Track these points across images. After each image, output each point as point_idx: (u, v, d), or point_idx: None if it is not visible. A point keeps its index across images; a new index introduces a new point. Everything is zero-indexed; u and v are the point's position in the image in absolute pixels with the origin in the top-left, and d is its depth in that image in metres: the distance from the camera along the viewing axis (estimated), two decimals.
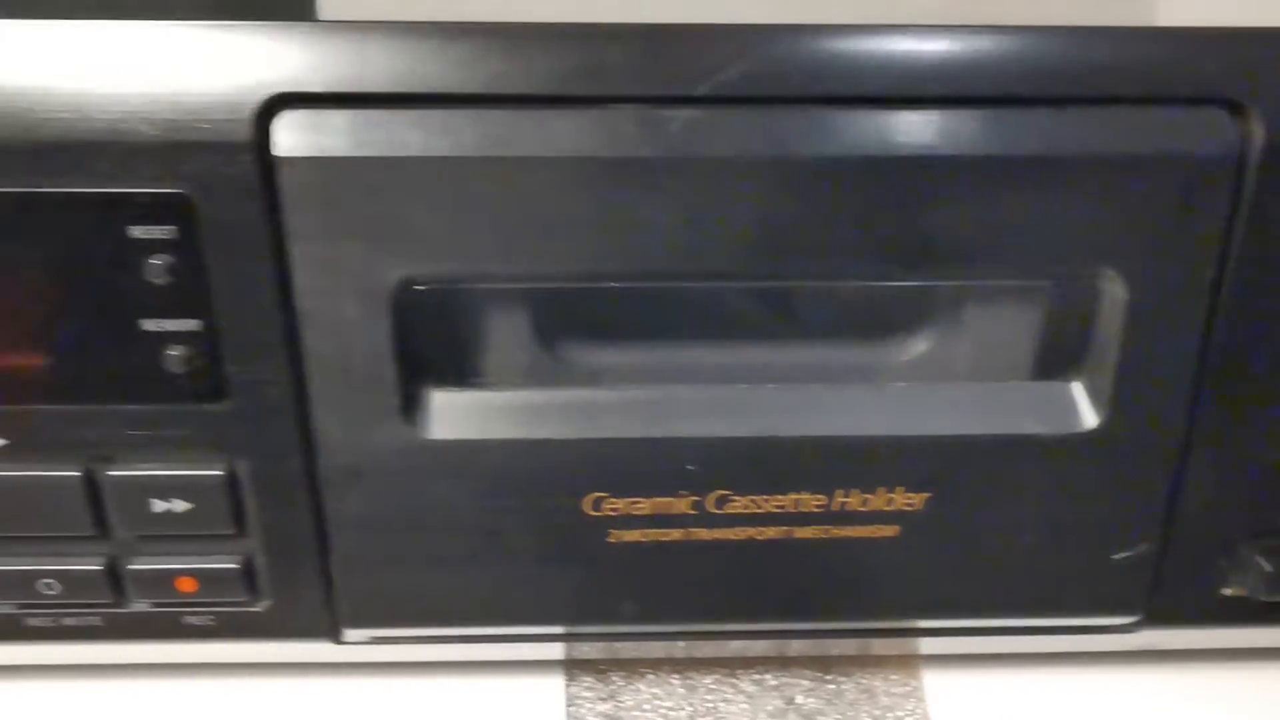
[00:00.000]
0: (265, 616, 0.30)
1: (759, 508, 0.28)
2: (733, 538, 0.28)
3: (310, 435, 0.27)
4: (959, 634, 0.32)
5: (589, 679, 0.36)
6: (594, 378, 0.27)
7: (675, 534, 0.28)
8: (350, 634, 0.30)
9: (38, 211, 0.24)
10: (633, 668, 0.36)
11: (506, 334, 0.27)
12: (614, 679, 0.36)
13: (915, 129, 0.24)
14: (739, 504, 0.28)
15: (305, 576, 0.29)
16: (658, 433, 0.27)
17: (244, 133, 0.24)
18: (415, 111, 0.24)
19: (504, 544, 0.28)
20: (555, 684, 0.36)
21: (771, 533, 0.28)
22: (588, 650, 0.34)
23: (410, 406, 0.27)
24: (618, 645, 0.33)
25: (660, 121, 0.24)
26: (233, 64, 0.24)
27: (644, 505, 0.28)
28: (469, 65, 0.24)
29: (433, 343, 0.26)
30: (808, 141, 0.24)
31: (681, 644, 0.33)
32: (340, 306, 0.25)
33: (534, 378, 0.27)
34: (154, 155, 0.24)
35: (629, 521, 0.28)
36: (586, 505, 0.28)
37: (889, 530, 0.29)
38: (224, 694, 0.33)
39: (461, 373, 0.27)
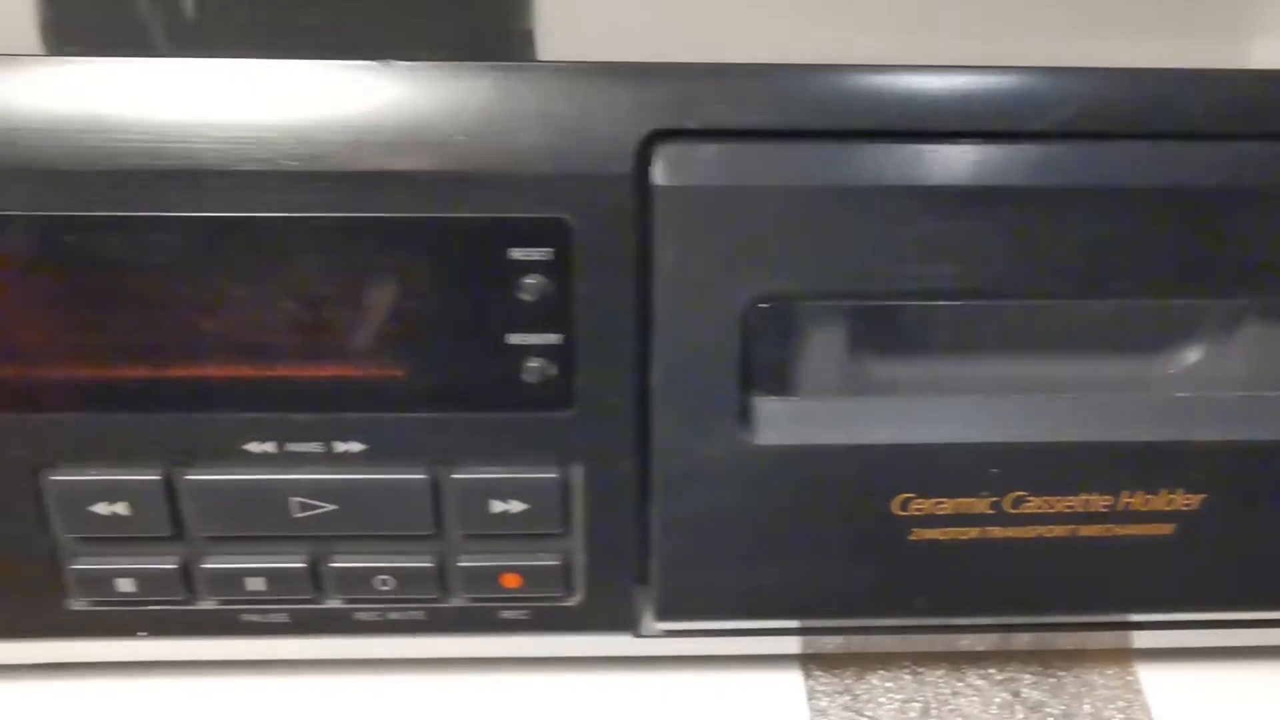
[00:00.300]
0: (575, 611, 0.32)
1: (1051, 508, 0.30)
2: (1023, 536, 0.30)
3: (645, 441, 0.29)
4: (1180, 627, 0.35)
5: (822, 673, 0.38)
6: (907, 387, 0.29)
7: (972, 532, 0.30)
8: (656, 626, 0.32)
9: (428, 235, 0.27)
10: (863, 663, 0.39)
11: (828, 346, 0.29)
12: (846, 674, 0.38)
13: (1221, 161, 0.27)
14: (1034, 504, 0.30)
15: (619, 573, 0.31)
16: (966, 438, 0.29)
17: (625, 165, 0.26)
18: (779, 145, 0.26)
19: (813, 541, 0.30)
20: (794, 677, 0.38)
21: (1059, 531, 0.31)
22: (825, 644, 0.37)
23: (744, 414, 0.29)
24: (855, 639, 0.36)
25: (997, 154, 0.26)
26: (616, 103, 0.26)
27: (947, 505, 0.30)
28: (825, 103, 0.26)
29: (764, 355, 0.29)
30: (1131, 173, 0.26)
31: (921, 638, 0.36)
32: (693, 322, 0.27)
33: (851, 387, 0.29)
34: (540, 185, 0.26)
35: (931, 521, 0.30)
36: (895, 506, 0.30)
37: (1165, 529, 0.31)
38: (532, 687, 0.36)
39: (785, 382, 0.29)
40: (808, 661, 0.39)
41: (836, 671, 0.38)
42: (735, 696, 0.36)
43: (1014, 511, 0.30)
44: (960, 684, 0.38)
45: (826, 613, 0.32)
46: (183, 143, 0.26)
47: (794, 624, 0.32)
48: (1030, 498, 0.30)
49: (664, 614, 0.31)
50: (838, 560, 0.30)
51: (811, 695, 0.37)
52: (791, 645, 0.36)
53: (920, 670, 0.39)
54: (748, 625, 0.32)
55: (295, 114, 0.26)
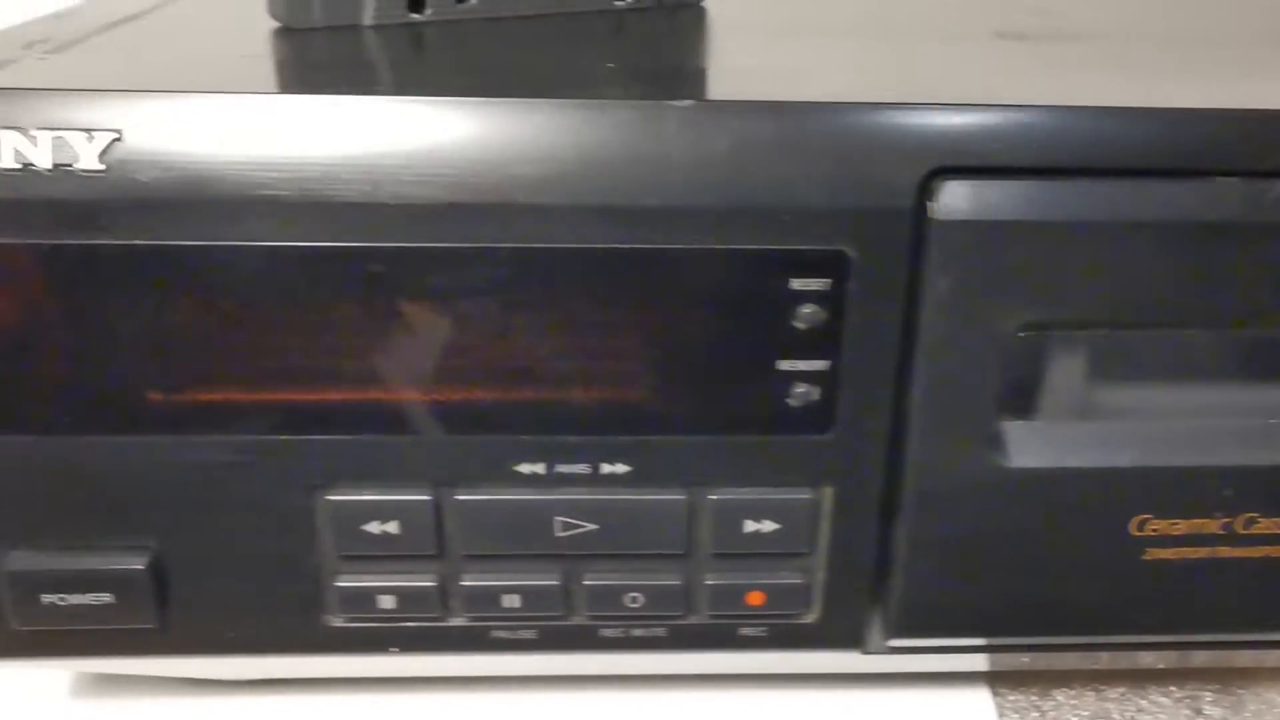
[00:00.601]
0: (810, 628, 0.33)
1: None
2: (1251, 555, 0.32)
3: (895, 463, 0.30)
4: None
5: (1009, 690, 0.39)
6: (1147, 411, 0.31)
7: (1202, 552, 0.32)
8: (885, 644, 0.33)
9: (712, 266, 0.28)
10: (1046, 681, 0.40)
11: (1075, 372, 0.30)
12: (1032, 691, 0.39)
13: None
14: (1264, 525, 0.31)
15: (854, 591, 0.33)
16: (1205, 461, 0.30)
17: (907, 199, 0.27)
18: (1051, 182, 0.27)
19: (1052, 561, 0.31)
20: (983, 695, 0.39)
21: None
22: (1013, 662, 0.38)
23: (997, 438, 0.30)
24: (1043, 657, 0.37)
25: (1258, 192, 0.28)
26: (901, 141, 0.27)
27: (1181, 526, 0.31)
28: (1096, 142, 0.27)
29: (1016, 380, 0.30)
30: None
31: (1103, 656, 0.37)
32: (958, 349, 0.29)
33: (1095, 411, 0.31)
34: (824, 219, 0.28)
35: (1164, 541, 0.31)
36: (1132, 526, 0.31)
37: None
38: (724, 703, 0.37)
39: (1032, 407, 0.30)
40: (994, 680, 0.40)
41: (1022, 689, 0.39)
42: (928, 712, 0.38)
43: (1244, 532, 0.31)
44: (1144, 701, 0.39)
45: (1056, 630, 0.33)
46: (494, 179, 0.27)
47: (1023, 640, 0.33)
48: (1261, 519, 0.31)
49: (901, 630, 0.32)
50: (1072, 579, 0.32)
51: (1001, 712, 0.38)
52: (980, 663, 0.37)
53: (1102, 688, 0.40)
54: (977, 642, 0.33)
55: (597, 153, 0.27)
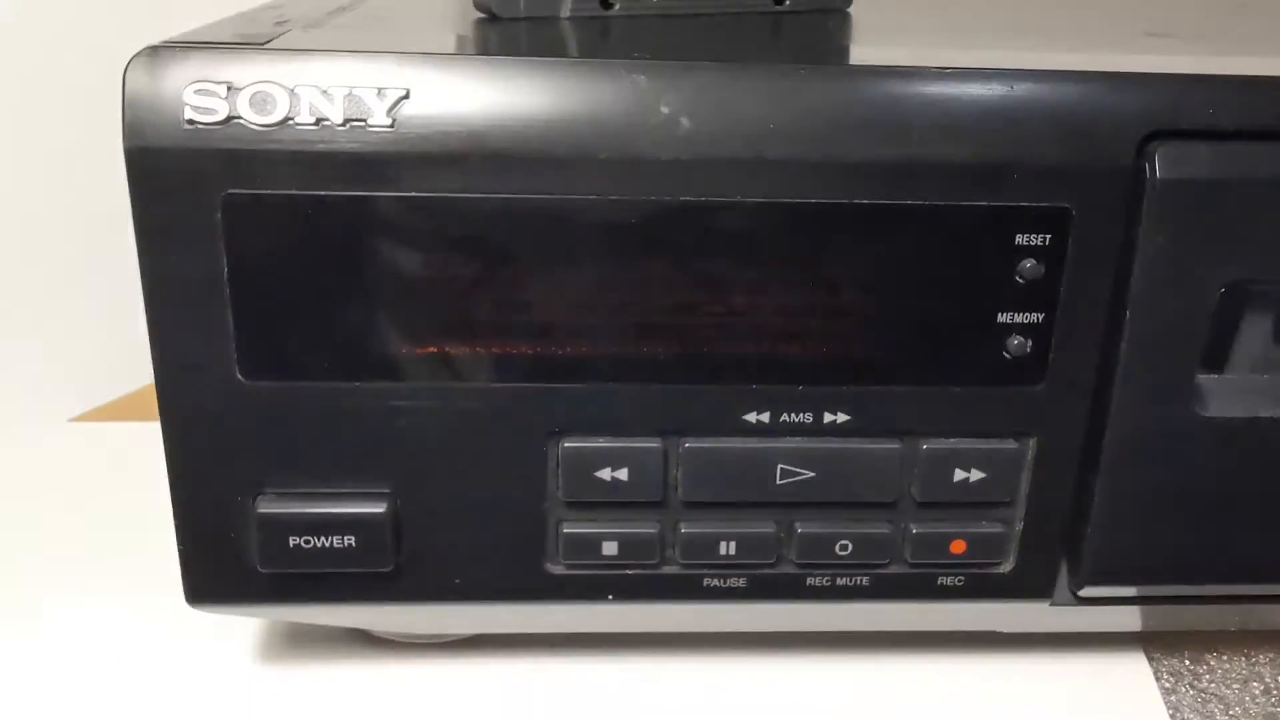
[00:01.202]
0: (1005, 578, 0.35)
1: None
2: None
3: (1099, 415, 0.32)
4: None
5: (1162, 655, 0.41)
6: None
7: None
8: (1078, 592, 0.35)
9: (941, 221, 0.30)
10: (1199, 643, 0.41)
11: (1263, 327, 0.32)
12: (1185, 654, 0.41)
13: None
14: None
15: (1049, 540, 0.34)
16: None
17: (1128, 159, 0.30)
18: (1259, 145, 0.30)
19: (1244, 508, 0.33)
20: (1137, 656, 0.40)
21: None
22: (1170, 620, 0.39)
23: (1198, 390, 0.32)
24: (1191, 615, 0.38)
25: None
26: (1121, 106, 0.30)
27: None
28: None
29: (1217, 336, 0.32)
30: None
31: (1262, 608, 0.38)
32: (1168, 304, 0.31)
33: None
34: (1050, 177, 0.30)
35: None
36: None
37: None
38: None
39: (1228, 361, 0.33)
40: (1147, 642, 0.41)
41: (1176, 653, 0.41)
42: (1084, 672, 0.39)
43: None
44: None
45: (1247, 577, 0.34)
46: (738, 136, 0.29)
47: (1210, 589, 0.35)
48: None
49: (1093, 578, 0.34)
50: (1264, 526, 0.33)
51: (1157, 675, 0.40)
52: (1134, 622, 0.38)
53: (1251, 653, 0.41)
54: (1165, 591, 0.35)
55: (844, 112, 0.30)
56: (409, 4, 0.42)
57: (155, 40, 0.30)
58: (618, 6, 0.41)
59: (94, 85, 0.44)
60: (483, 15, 0.38)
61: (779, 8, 0.45)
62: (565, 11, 0.40)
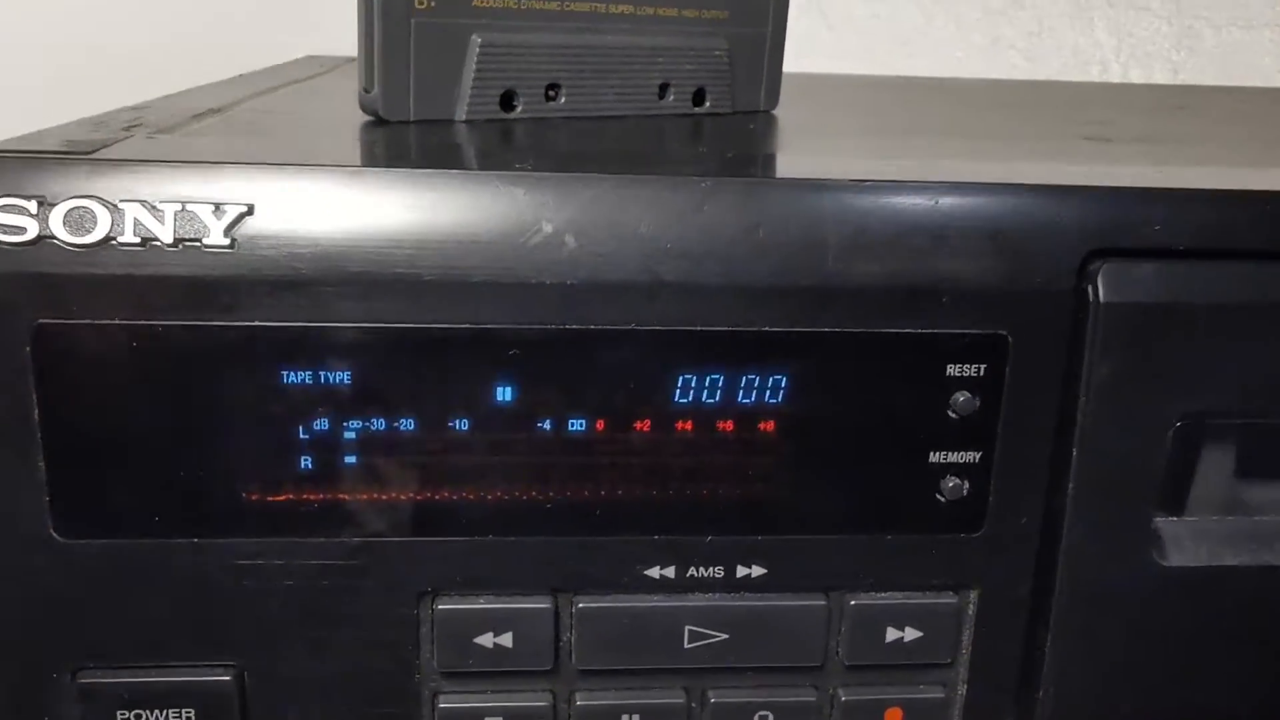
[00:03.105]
0: None
1: None
2: None
3: (1050, 564, 0.29)
4: None
5: None
6: None
7: None
8: None
9: (864, 351, 0.27)
10: None
11: (1227, 464, 0.29)
12: None
13: None
14: None
15: (999, 707, 0.30)
16: None
17: (1068, 281, 0.27)
18: (1212, 264, 0.27)
19: (1215, 666, 0.29)
20: None
21: None
22: None
23: (1154, 536, 0.28)
24: None
25: None
26: (1060, 219, 0.27)
27: None
28: (1257, 223, 0.27)
29: (1171, 473, 0.29)
30: None
31: None
32: (1120, 441, 0.27)
33: (1246, 506, 0.29)
34: (983, 301, 0.27)
35: None
36: None
37: None
38: None
39: (1183, 502, 0.29)
40: None
41: None
42: None
43: None
44: None
45: None
46: (633, 260, 0.26)
47: None
48: None
49: None
50: (1233, 683, 0.30)
51: None
52: None
53: None
54: None
55: (749, 231, 0.26)
56: (293, 106, 0.38)
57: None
58: (520, 108, 0.38)
59: None
60: (370, 119, 0.35)
61: (698, 110, 0.42)
62: (461, 115, 0.36)
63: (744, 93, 0.42)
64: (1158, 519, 0.29)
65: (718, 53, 0.41)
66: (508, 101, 0.37)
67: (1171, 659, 0.29)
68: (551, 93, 0.38)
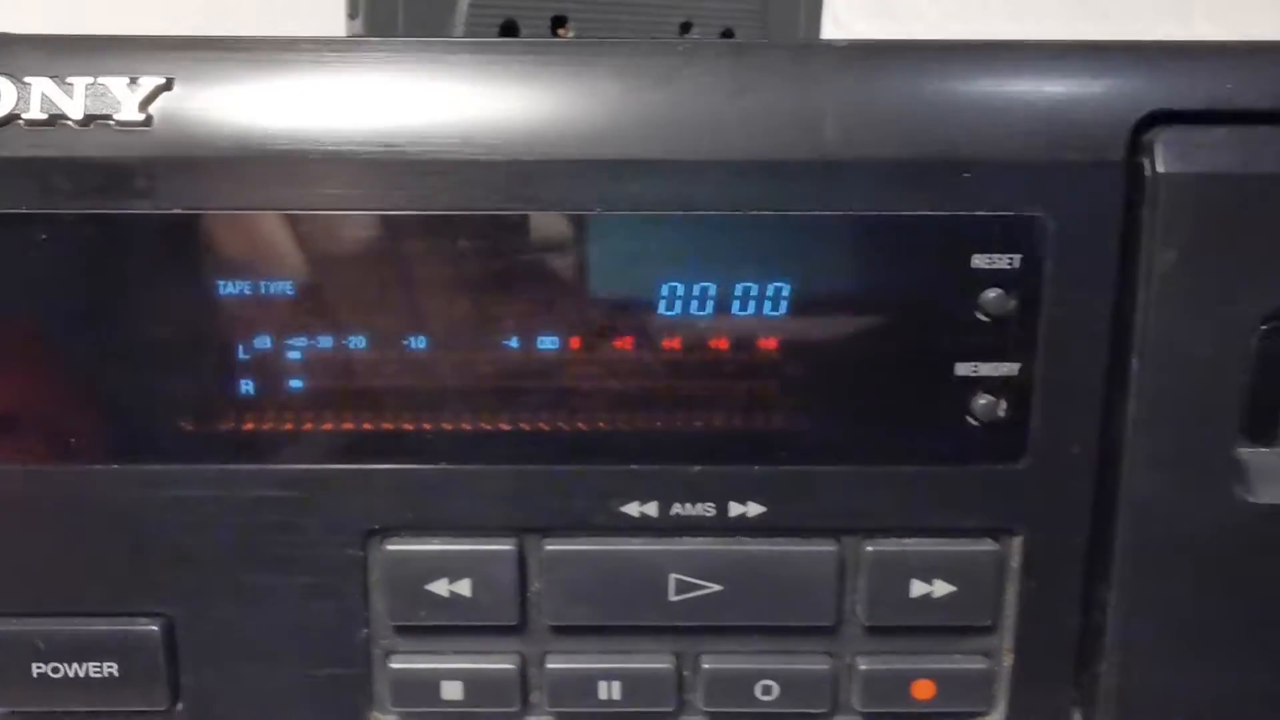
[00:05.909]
0: None
1: None
2: None
3: (1109, 503, 0.24)
4: None
5: None
6: None
7: None
8: None
9: (871, 238, 0.23)
10: None
11: None
12: None
13: None
14: None
15: (1052, 682, 0.25)
16: None
17: (1117, 152, 0.22)
18: None
19: None
20: None
21: None
22: None
23: (1238, 467, 0.24)
24: None
25: None
26: (1103, 83, 0.22)
27: None
28: None
29: (1258, 391, 0.24)
30: None
31: None
32: (1191, 345, 0.23)
33: None
34: (1015, 175, 0.22)
35: None
36: None
37: None
38: None
39: (1271, 424, 0.24)
40: None
41: None
42: None
43: None
44: None
45: None
46: (620, 135, 0.23)
47: None
48: None
49: None
50: None
51: None
52: None
53: None
54: None
55: (739, 100, 0.23)
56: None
57: None
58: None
59: None
60: None
61: (696, 37, 0.39)
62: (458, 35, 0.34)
63: (779, 30, 0.39)
64: (1241, 447, 0.24)
65: None
66: (508, 34, 0.35)
67: (1262, 620, 0.24)
68: (559, 29, 0.36)
